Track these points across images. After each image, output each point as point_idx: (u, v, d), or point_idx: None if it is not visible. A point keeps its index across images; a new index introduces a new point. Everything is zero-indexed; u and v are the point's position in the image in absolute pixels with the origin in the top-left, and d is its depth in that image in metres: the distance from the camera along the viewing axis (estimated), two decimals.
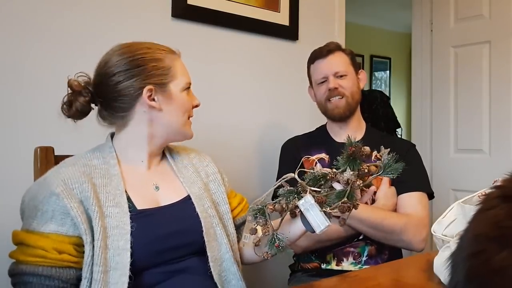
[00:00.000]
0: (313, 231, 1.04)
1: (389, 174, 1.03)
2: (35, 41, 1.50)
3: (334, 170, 1.04)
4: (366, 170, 1.03)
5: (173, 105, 1.14)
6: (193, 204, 1.15)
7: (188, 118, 1.19)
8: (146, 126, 1.12)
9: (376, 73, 5.97)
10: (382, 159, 1.04)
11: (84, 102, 1.12)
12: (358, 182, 1.02)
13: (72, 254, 0.99)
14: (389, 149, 1.05)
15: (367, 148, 1.03)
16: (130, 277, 0.98)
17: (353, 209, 1.03)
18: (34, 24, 1.50)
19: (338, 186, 1.05)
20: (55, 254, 0.97)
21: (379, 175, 1.04)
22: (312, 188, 1.04)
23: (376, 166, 1.04)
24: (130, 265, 0.99)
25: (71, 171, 1.04)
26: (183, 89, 1.15)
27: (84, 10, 1.59)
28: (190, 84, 1.18)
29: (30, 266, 0.96)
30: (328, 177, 1.04)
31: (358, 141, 1.06)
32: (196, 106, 1.20)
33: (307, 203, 1.01)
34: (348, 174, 1.01)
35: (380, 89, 5.08)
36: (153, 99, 1.10)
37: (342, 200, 1.01)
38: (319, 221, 1.01)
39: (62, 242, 0.98)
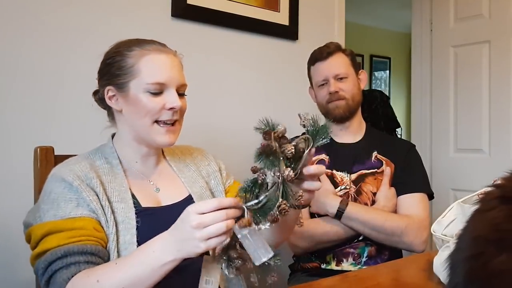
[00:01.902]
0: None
1: (322, 139, 0.89)
2: (34, 41, 1.50)
3: (262, 171, 0.86)
4: (292, 152, 0.85)
5: (131, 107, 1.07)
6: None
7: (158, 123, 1.07)
8: (124, 126, 1.12)
9: (376, 73, 5.97)
10: (307, 128, 0.88)
11: (96, 100, 1.15)
12: (289, 176, 0.84)
13: (105, 236, 1.00)
14: (307, 113, 0.89)
15: (280, 129, 0.87)
16: None
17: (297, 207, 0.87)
18: (33, 23, 1.50)
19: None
20: (96, 232, 0.98)
21: (313, 147, 0.89)
22: (248, 204, 0.86)
23: (305, 139, 0.89)
24: None
25: (79, 167, 1.05)
26: (146, 90, 1.04)
27: (84, 10, 1.59)
28: (161, 84, 1.05)
29: (75, 246, 0.94)
30: (260, 181, 0.86)
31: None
32: (171, 109, 1.06)
33: (244, 229, 0.84)
34: (270, 177, 0.84)
35: (380, 89, 5.08)
36: (116, 100, 1.09)
37: (279, 203, 0.83)
38: (260, 251, 0.83)
39: (97, 223, 0.99)
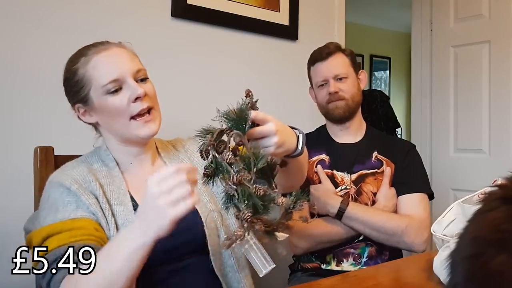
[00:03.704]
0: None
1: (247, 123, 0.89)
2: (35, 41, 1.50)
3: (226, 186, 0.87)
4: (231, 158, 0.86)
5: (102, 114, 1.07)
6: None
7: (134, 118, 1.06)
8: (107, 134, 1.12)
9: (376, 73, 5.97)
10: (228, 124, 0.88)
11: (78, 117, 1.15)
12: (229, 158, 0.85)
13: (105, 237, 0.99)
14: (218, 109, 0.90)
15: (206, 141, 0.87)
16: None
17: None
18: (34, 23, 1.50)
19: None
20: (97, 232, 0.97)
21: (246, 132, 0.89)
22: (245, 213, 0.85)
23: (237, 135, 0.88)
24: None
25: (78, 171, 1.05)
26: (105, 92, 1.04)
27: (84, 10, 1.59)
28: (115, 80, 1.03)
29: (76, 244, 0.92)
30: (231, 193, 0.87)
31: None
32: (136, 99, 1.04)
33: (245, 243, 0.87)
34: (232, 187, 0.85)
35: (380, 89, 5.08)
36: (89, 114, 1.09)
37: (241, 208, 0.85)
38: (261, 264, 0.88)
39: (97, 224, 0.99)
